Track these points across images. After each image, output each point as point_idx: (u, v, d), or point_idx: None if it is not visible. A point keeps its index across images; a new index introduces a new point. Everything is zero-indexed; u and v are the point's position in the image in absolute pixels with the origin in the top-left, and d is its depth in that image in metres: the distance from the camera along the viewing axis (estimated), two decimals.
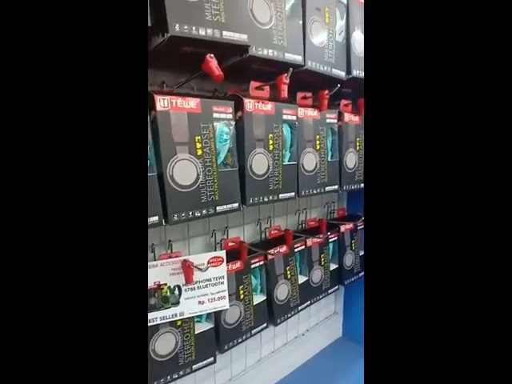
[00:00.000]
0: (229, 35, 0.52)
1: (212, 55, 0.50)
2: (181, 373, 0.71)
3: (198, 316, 0.71)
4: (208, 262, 0.66)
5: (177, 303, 0.64)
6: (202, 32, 0.49)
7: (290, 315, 0.89)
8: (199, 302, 0.66)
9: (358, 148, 0.88)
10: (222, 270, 0.68)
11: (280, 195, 0.69)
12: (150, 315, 0.61)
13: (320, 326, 1.20)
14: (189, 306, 0.65)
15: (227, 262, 0.69)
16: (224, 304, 0.68)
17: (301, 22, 0.65)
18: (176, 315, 0.64)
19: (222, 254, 0.68)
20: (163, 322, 0.62)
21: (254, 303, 0.79)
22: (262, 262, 0.79)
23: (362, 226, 1.06)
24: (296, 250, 0.88)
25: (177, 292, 0.64)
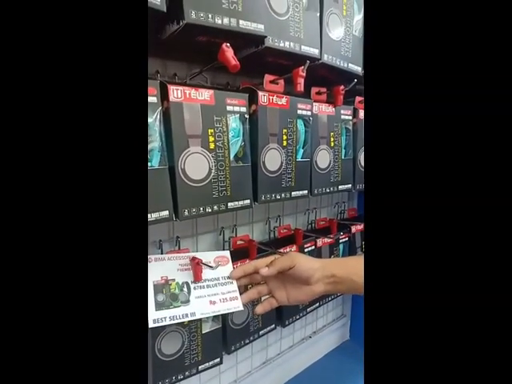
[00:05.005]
0: (246, 25, 0.50)
1: (228, 44, 0.48)
2: (186, 373, 0.69)
3: None
4: (214, 261, 0.63)
5: (186, 302, 0.58)
6: (218, 20, 0.47)
7: (298, 317, 0.86)
8: (211, 302, 0.60)
9: None
10: (229, 269, 0.63)
11: (292, 193, 0.67)
12: (158, 314, 0.55)
13: (327, 329, 1.17)
14: (200, 305, 0.59)
15: (236, 261, 0.66)
16: (237, 305, 0.61)
17: (318, 14, 0.63)
18: (187, 315, 0.57)
19: (226, 253, 0.64)
20: (173, 322, 0.56)
21: None
22: None
23: None
24: (306, 250, 0.85)
25: (185, 289, 0.59)
